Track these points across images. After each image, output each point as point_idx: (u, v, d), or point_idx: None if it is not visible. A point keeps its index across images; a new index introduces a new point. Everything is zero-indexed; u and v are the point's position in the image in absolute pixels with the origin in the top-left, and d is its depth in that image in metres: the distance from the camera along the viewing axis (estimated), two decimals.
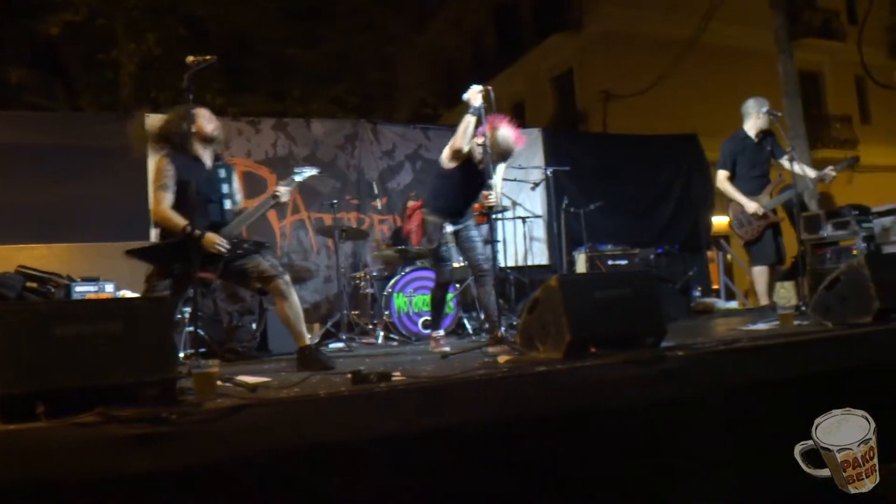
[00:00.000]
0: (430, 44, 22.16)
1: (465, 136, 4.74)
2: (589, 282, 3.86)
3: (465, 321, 6.70)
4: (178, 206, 4.05)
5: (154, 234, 5.58)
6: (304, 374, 3.65)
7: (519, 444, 2.72)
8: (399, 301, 6.52)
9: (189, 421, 2.28)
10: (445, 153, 5.02)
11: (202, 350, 5.32)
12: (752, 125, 5.95)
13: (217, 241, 4.04)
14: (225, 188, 4.32)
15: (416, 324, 6.50)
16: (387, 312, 6.45)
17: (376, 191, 7.26)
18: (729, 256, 10.95)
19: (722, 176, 6.01)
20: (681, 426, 3.00)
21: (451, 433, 2.61)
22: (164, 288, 4.00)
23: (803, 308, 5.22)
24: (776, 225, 5.88)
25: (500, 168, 5.09)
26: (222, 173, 4.34)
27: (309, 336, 4.37)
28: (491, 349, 4.28)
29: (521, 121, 21.52)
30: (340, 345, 6.01)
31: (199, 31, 14.99)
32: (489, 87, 4.59)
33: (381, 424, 2.55)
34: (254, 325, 5.99)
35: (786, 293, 7.37)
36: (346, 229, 7.20)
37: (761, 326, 4.84)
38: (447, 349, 4.70)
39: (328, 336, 6.64)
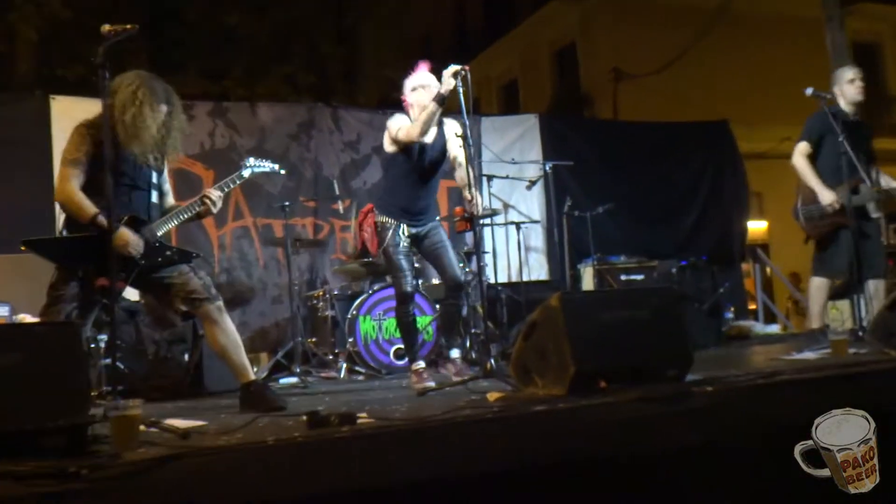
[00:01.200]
0: (400, 12, 22.18)
1: (424, 126, 4.76)
2: (597, 301, 3.87)
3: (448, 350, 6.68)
4: (92, 190, 3.98)
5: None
6: (248, 416, 3.63)
7: (512, 500, 2.72)
8: (366, 326, 6.51)
9: (104, 476, 2.25)
10: (387, 136, 5.05)
11: (121, 388, 5.29)
12: (844, 101, 5.92)
13: (129, 242, 3.99)
14: (153, 176, 4.30)
15: (386, 353, 6.48)
16: (351, 340, 6.43)
17: (337, 191, 7.24)
18: (768, 270, 11.04)
19: (801, 149, 5.89)
20: (709, 477, 3.00)
21: (430, 487, 2.60)
22: (71, 297, 3.95)
23: (860, 333, 5.26)
24: (849, 227, 5.68)
25: (460, 149, 4.95)
26: (150, 159, 4.31)
27: (254, 370, 4.35)
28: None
29: (513, 104, 21.38)
30: (294, 380, 5.98)
31: None
32: (466, 67, 4.63)
33: (343, 478, 2.53)
34: (186, 357, 5.95)
35: (838, 315, 7.43)
36: (301, 238, 7.17)
37: (809, 355, 4.87)
38: (431, 384, 4.66)
39: (279, 369, 6.60)
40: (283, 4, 16.79)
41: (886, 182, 5.90)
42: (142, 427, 2.93)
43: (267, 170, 4.84)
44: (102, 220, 3.86)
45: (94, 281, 3.86)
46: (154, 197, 4.30)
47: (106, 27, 3.63)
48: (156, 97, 4.15)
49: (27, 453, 2.35)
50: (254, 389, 4.13)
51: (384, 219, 5.03)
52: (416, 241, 5.12)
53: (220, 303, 4.24)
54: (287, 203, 6.71)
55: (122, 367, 5.49)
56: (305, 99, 14.41)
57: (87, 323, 4.13)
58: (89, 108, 6.55)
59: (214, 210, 4.34)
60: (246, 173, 4.64)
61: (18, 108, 7.13)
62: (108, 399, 3.74)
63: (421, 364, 4.99)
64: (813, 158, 5.87)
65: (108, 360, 4.85)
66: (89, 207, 3.94)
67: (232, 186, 4.55)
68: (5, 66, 14.83)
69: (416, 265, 5.91)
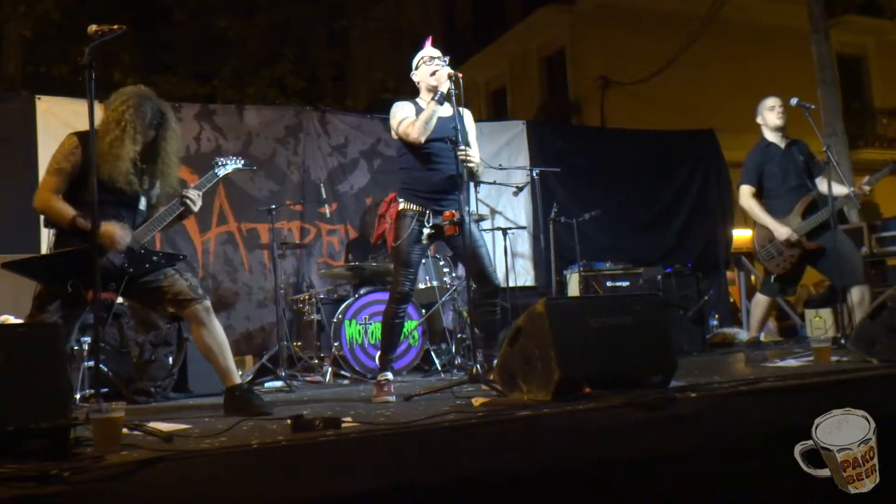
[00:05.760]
0: (390, 16, 22.22)
1: (426, 127, 4.67)
2: (583, 308, 3.87)
3: (433, 354, 6.68)
4: (77, 199, 3.97)
5: (46, 245, 5.49)
6: (232, 419, 3.61)
7: None
8: (351, 330, 6.50)
9: (86, 479, 2.24)
10: (392, 125, 4.87)
11: (104, 390, 5.26)
12: (768, 129, 5.98)
13: (115, 234, 3.97)
14: (145, 181, 4.28)
15: (372, 358, 6.46)
16: (336, 344, 6.42)
17: (324, 195, 7.21)
18: (753, 278, 11.07)
19: (745, 192, 5.97)
20: (694, 483, 3.01)
21: (414, 492, 2.59)
22: (57, 308, 3.93)
23: (842, 341, 5.28)
24: (814, 252, 5.77)
25: (471, 130, 4.91)
26: (135, 182, 4.29)
27: (239, 373, 4.33)
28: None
29: (502, 110, 21.38)
30: (279, 383, 5.98)
31: None
32: (459, 74, 4.62)
33: (328, 482, 2.52)
34: (170, 359, 5.92)
35: (821, 323, 7.48)
36: (287, 242, 7.15)
37: (791, 363, 4.91)
38: (392, 398, 4.46)
39: (264, 372, 6.59)
40: (275, 8, 16.77)
41: (836, 187, 5.85)
42: (125, 430, 2.92)
43: (239, 166, 4.83)
44: (82, 221, 3.85)
45: (84, 294, 3.83)
46: (143, 204, 4.28)
47: (93, 27, 3.61)
48: (143, 121, 4.12)
49: (8, 455, 2.33)
50: (239, 393, 4.11)
51: (408, 206, 4.79)
52: (445, 236, 4.79)
53: (208, 303, 4.23)
54: (273, 207, 6.70)
55: (105, 369, 5.47)
56: (294, 102, 14.38)
57: (72, 328, 4.11)
58: (75, 108, 6.64)
59: (195, 209, 4.33)
60: (220, 172, 4.64)
61: (3, 108, 7.08)
62: (91, 401, 3.72)
63: (388, 375, 4.68)
64: (760, 195, 5.96)
65: (92, 363, 4.82)
66: (68, 211, 3.94)
67: (207, 185, 4.53)
68: None
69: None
